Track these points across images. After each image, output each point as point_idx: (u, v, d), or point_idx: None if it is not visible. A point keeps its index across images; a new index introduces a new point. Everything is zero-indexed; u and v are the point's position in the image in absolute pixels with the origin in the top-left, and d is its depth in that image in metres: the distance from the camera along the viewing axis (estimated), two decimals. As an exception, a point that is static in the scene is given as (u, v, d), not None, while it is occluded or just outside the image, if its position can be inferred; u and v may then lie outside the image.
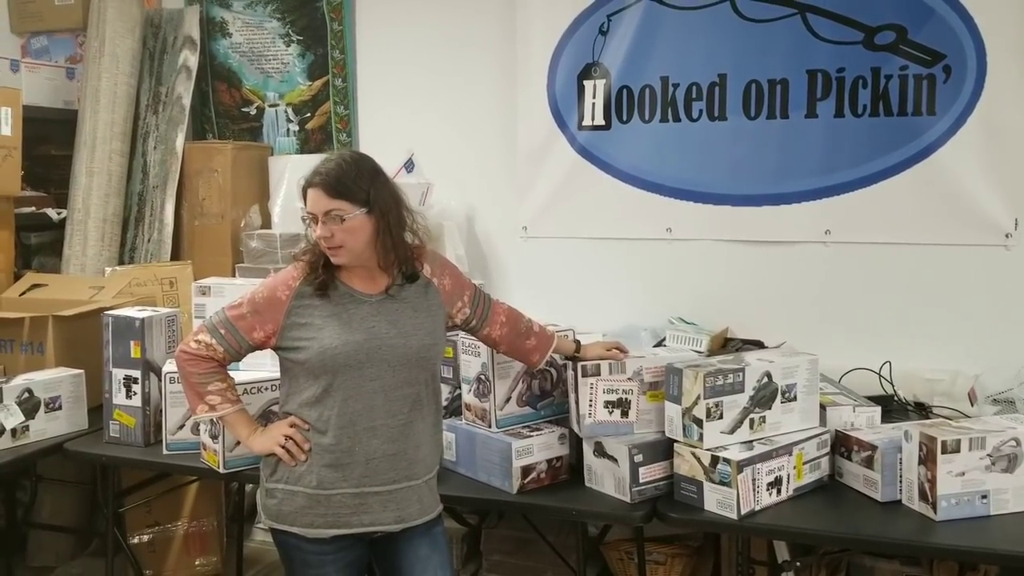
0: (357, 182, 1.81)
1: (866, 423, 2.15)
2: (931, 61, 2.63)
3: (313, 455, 1.82)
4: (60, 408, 2.51)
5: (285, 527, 1.84)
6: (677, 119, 2.93)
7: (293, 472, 1.83)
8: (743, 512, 1.89)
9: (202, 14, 3.50)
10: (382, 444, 1.82)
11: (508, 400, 2.18)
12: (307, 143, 3.46)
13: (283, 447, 1.83)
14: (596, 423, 2.08)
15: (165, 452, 2.35)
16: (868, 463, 1.99)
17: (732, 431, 1.96)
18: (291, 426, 1.84)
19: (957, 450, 1.85)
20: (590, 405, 2.07)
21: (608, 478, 2.06)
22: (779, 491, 1.96)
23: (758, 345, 2.67)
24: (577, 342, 2.15)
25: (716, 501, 1.91)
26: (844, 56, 2.71)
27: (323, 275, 1.84)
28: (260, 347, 1.89)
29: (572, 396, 2.11)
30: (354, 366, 1.80)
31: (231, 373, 1.96)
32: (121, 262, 3.34)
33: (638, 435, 2.07)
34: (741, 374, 1.96)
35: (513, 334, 2.06)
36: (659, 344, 2.79)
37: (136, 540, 3.00)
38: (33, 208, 3.27)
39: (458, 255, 3.05)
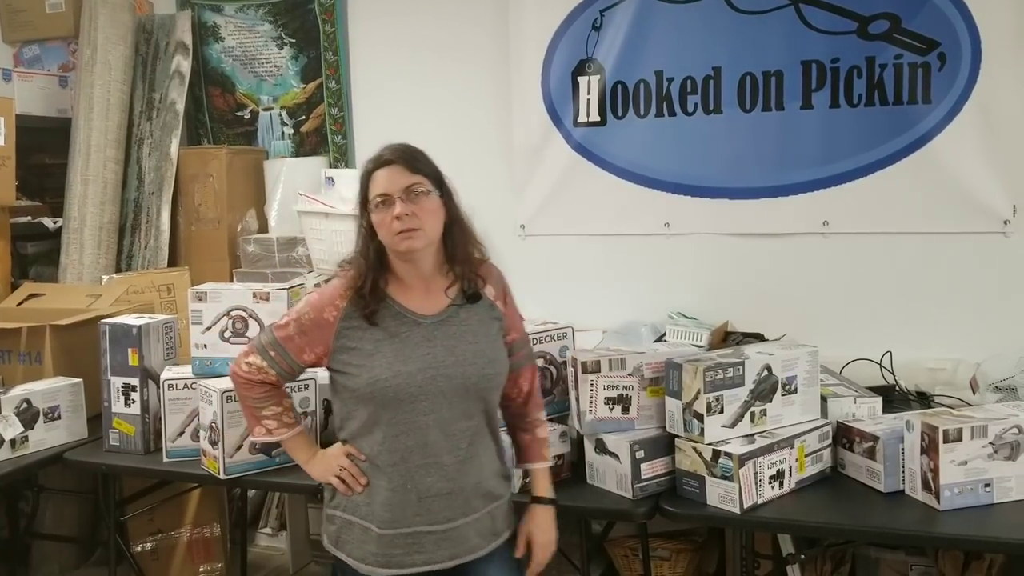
0: (429, 163, 1.72)
1: (867, 414, 2.14)
2: (925, 49, 2.62)
3: (369, 487, 1.72)
4: (59, 418, 2.50)
5: (342, 556, 1.74)
6: (672, 113, 2.92)
7: (351, 501, 1.74)
8: (746, 506, 1.88)
9: (194, 19, 3.49)
10: (437, 482, 1.68)
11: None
12: (302, 146, 3.46)
13: (339, 477, 1.74)
14: (597, 420, 2.07)
15: (165, 459, 2.35)
16: (870, 454, 1.98)
17: (733, 425, 1.95)
18: (348, 455, 1.74)
19: (959, 439, 1.84)
20: (590, 402, 2.06)
21: (610, 475, 2.05)
22: (781, 484, 1.95)
23: (758, 338, 2.66)
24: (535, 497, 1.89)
25: (718, 495, 1.90)
26: (838, 46, 2.70)
27: (371, 297, 1.69)
28: (314, 367, 1.80)
29: (572, 393, 2.10)
30: (406, 400, 1.66)
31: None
32: (118, 270, 3.33)
33: (639, 431, 2.06)
34: (741, 368, 1.95)
35: (519, 412, 1.89)
36: (659, 339, 2.79)
37: (139, 548, 3.00)
38: (29, 217, 3.26)
39: (456, 255, 3.05)
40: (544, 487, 1.89)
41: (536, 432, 1.90)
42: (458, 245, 1.74)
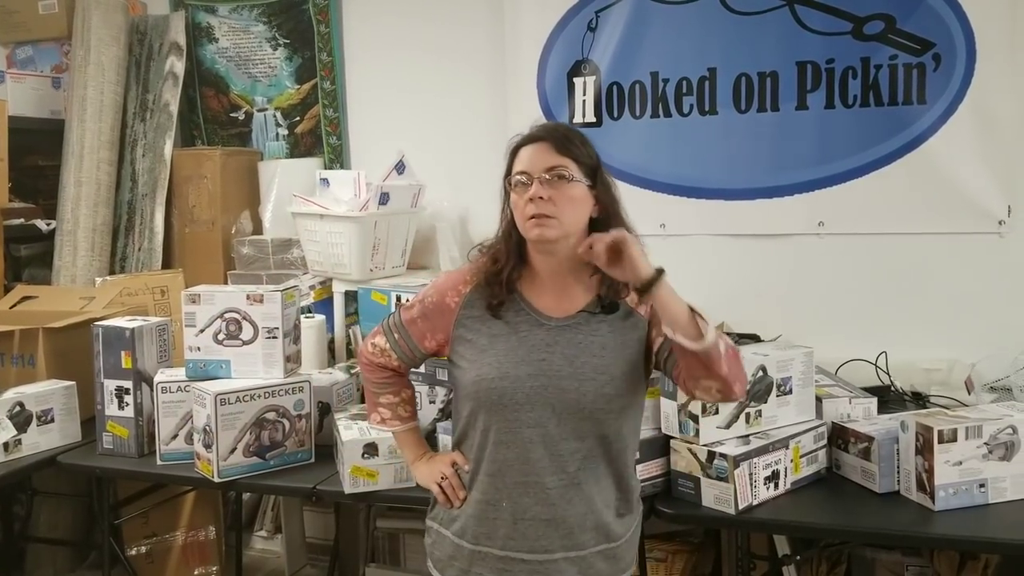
0: (586, 147, 1.55)
1: (863, 414, 2.14)
2: (920, 50, 2.62)
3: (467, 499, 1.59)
4: (52, 421, 2.49)
5: (435, 572, 1.63)
6: (668, 114, 2.91)
7: (448, 513, 1.62)
8: (741, 507, 1.88)
9: (188, 20, 3.48)
10: (535, 505, 1.52)
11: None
12: (297, 147, 3.45)
13: (439, 485, 1.62)
14: (592, 422, 2.06)
15: (159, 462, 2.34)
16: (865, 455, 1.98)
17: (728, 426, 1.95)
18: (453, 463, 1.62)
19: (954, 439, 1.84)
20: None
21: (605, 477, 2.05)
22: (777, 485, 1.95)
23: (754, 339, 2.65)
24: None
25: (713, 497, 1.90)
26: (833, 47, 2.70)
27: (500, 287, 1.54)
28: (436, 356, 1.68)
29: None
30: (510, 406, 1.50)
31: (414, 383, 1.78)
32: (112, 272, 3.32)
33: (634, 433, 2.05)
34: (736, 369, 1.95)
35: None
36: (654, 340, 2.78)
37: (134, 551, 2.99)
38: (22, 220, 3.25)
39: (452, 257, 3.04)
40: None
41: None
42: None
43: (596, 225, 1.55)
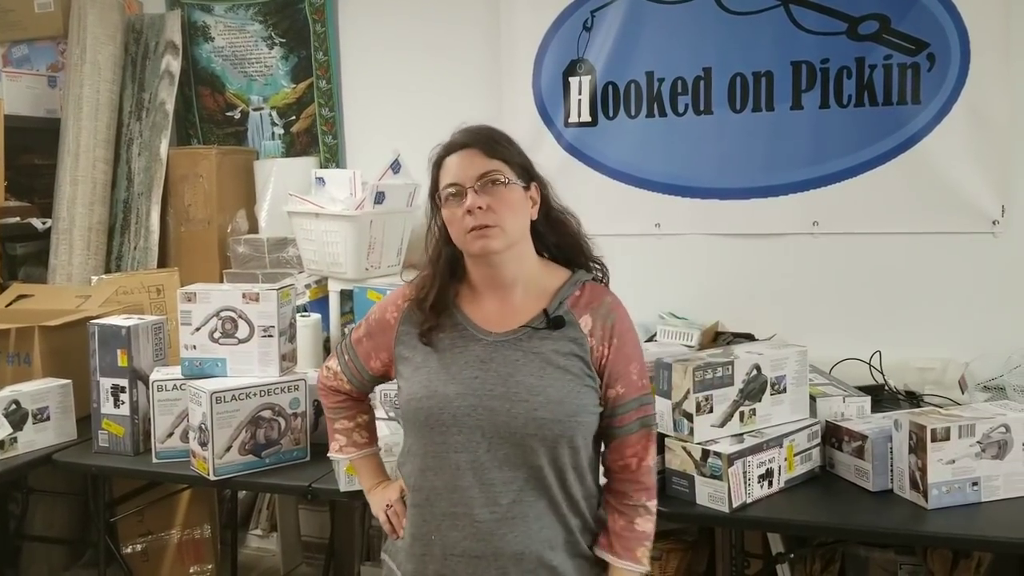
0: (513, 146, 1.45)
1: (856, 413, 2.15)
2: (915, 50, 2.63)
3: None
4: (48, 419, 2.49)
5: None
6: (663, 114, 2.92)
7: (394, 544, 1.52)
8: (735, 505, 1.88)
9: (184, 19, 3.48)
10: (463, 539, 1.38)
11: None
12: (293, 146, 3.45)
13: (386, 514, 1.54)
14: (586, 420, 2.06)
15: (155, 460, 2.33)
16: (859, 453, 1.99)
17: (722, 424, 1.96)
18: (401, 491, 1.52)
19: (947, 438, 1.85)
20: (580, 402, 2.05)
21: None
22: (770, 483, 1.95)
23: (749, 338, 2.66)
24: None
25: (707, 495, 1.90)
26: (828, 47, 2.71)
27: (430, 312, 1.43)
28: (384, 379, 1.56)
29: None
30: (436, 428, 1.38)
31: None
32: (108, 270, 3.32)
33: (629, 431, 2.06)
34: (730, 367, 1.96)
35: (618, 489, 1.50)
36: (650, 339, 2.79)
37: (129, 550, 2.98)
38: (18, 218, 3.25)
39: (447, 255, 3.04)
40: None
41: (635, 521, 1.47)
42: (552, 250, 1.48)
43: (539, 229, 1.47)
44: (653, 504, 1.51)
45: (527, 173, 1.45)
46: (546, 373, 1.39)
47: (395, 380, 1.53)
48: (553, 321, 1.42)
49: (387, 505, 1.53)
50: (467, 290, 1.48)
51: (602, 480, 1.54)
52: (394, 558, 1.52)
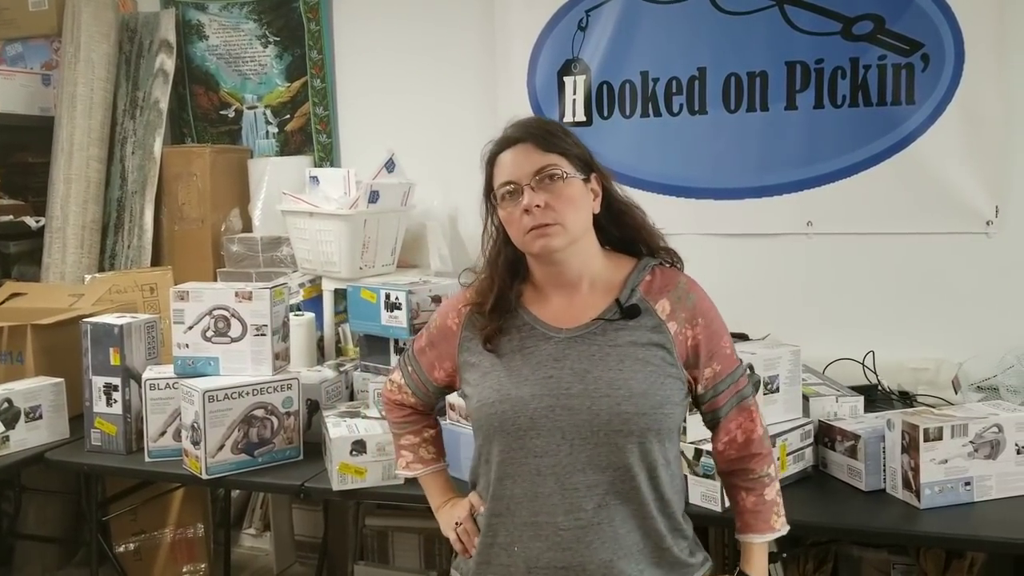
0: (568, 137, 1.37)
1: (849, 413, 2.15)
2: (909, 50, 2.63)
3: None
4: (41, 417, 2.48)
5: None
6: (658, 114, 2.92)
7: (465, 562, 1.44)
8: (727, 504, 1.88)
9: (178, 17, 3.47)
10: (548, 551, 1.30)
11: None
12: (287, 145, 3.44)
13: (456, 532, 1.46)
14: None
15: (147, 459, 2.33)
16: (851, 453, 1.99)
17: (715, 424, 1.95)
18: (471, 506, 1.45)
19: (939, 438, 1.85)
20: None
21: (593, 474, 2.05)
22: (764, 483, 1.95)
23: (742, 338, 2.66)
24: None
25: (700, 494, 1.90)
26: (822, 47, 2.71)
27: (491, 316, 1.36)
28: (448, 389, 1.50)
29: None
30: (513, 433, 1.31)
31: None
32: (101, 269, 3.31)
33: (622, 431, 2.05)
34: (723, 367, 1.95)
35: (736, 469, 1.49)
36: (644, 339, 2.78)
37: (122, 549, 2.98)
38: (11, 216, 3.24)
39: (442, 256, 3.04)
40: (759, 566, 1.45)
41: (763, 493, 1.46)
42: (615, 243, 1.41)
43: (603, 222, 1.40)
44: (775, 468, 1.50)
45: (587, 165, 1.38)
46: (625, 366, 1.32)
47: (460, 390, 1.47)
48: (627, 310, 1.35)
49: (456, 523, 1.46)
50: (531, 290, 1.41)
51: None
52: (466, 575, 1.45)
